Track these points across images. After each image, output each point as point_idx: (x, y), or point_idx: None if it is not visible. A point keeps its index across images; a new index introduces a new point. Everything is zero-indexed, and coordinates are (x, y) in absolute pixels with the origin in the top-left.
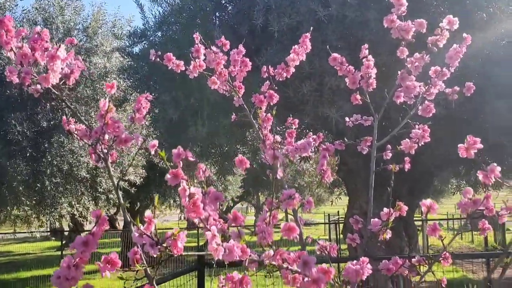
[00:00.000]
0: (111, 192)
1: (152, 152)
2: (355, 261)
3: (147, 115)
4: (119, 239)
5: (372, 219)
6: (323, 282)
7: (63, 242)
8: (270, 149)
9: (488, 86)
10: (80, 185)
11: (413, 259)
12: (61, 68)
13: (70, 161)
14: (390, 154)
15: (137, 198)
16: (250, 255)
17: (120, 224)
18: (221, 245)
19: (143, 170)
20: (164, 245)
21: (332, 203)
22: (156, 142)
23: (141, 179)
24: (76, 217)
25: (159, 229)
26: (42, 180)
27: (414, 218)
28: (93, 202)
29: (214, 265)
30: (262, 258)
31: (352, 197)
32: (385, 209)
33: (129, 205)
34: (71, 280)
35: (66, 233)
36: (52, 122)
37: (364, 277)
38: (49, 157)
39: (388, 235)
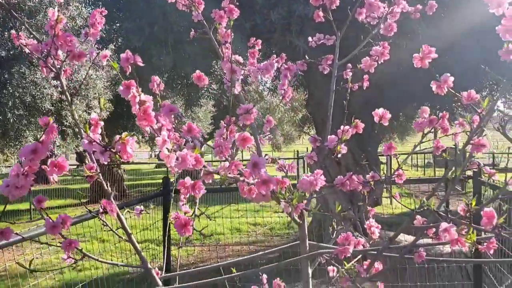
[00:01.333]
0: (81, 125)
1: (104, 63)
2: (309, 173)
3: (111, 44)
4: None
5: (328, 136)
6: (273, 183)
7: None
8: (227, 63)
9: (459, 23)
10: None
11: (367, 175)
12: None
13: (33, 93)
14: (350, 73)
15: (105, 133)
16: (205, 166)
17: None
18: (174, 152)
19: (110, 104)
20: (113, 150)
21: (300, 137)
22: (108, 52)
23: (108, 113)
24: None
25: (129, 165)
26: (4, 112)
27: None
28: (60, 136)
29: (175, 184)
30: (217, 170)
31: (319, 130)
32: (342, 127)
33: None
34: (20, 189)
35: None
36: (11, 52)
37: (317, 188)
38: (10, 88)
39: (343, 150)
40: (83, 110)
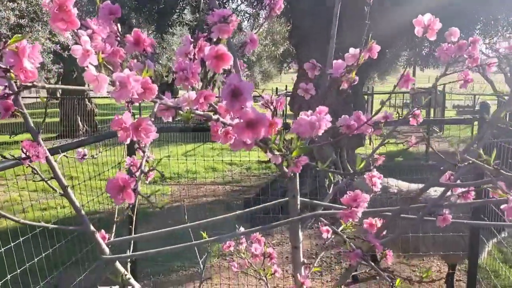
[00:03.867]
0: (44, 55)
1: None
2: (310, 112)
3: None
4: (58, 109)
5: (334, 61)
6: (264, 126)
7: None
8: None
9: None
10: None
11: (377, 115)
12: None
13: None
14: None
15: (73, 65)
16: (160, 97)
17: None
18: (108, 72)
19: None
20: (4, 66)
21: (280, 74)
22: None
23: (75, 42)
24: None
25: (101, 99)
26: None
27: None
28: None
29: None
30: (179, 104)
31: (303, 65)
32: (352, 50)
33: (63, 71)
34: None
35: None
36: None
37: (320, 132)
38: None
39: (355, 82)
40: (46, 37)
